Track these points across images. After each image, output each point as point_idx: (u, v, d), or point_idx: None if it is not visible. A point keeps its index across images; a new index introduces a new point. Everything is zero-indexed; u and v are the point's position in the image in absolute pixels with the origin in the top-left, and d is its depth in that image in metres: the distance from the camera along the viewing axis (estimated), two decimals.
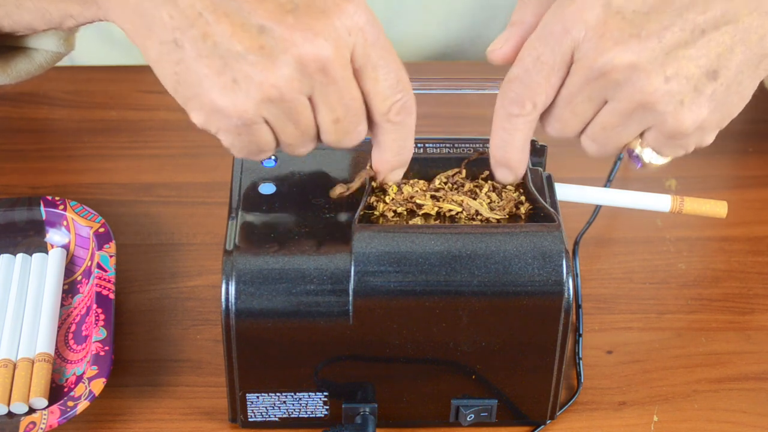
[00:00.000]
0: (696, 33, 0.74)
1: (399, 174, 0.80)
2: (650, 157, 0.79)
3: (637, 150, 0.78)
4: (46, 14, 0.80)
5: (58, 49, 0.87)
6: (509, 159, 0.79)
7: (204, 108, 0.73)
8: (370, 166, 0.81)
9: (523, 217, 0.79)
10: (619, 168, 1.01)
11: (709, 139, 0.78)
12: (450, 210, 0.79)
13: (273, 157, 0.82)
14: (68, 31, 0.86)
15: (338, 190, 0.80)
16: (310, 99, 0.74)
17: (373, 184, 0.80)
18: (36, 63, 0.88)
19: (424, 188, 0.80)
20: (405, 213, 0.80)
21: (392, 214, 0.79)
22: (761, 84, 0.80)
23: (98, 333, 0.83)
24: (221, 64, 0.72)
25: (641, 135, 0.78)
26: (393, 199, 0.80)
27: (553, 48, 0.75)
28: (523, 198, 0.81)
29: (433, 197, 0.80)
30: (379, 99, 0.75)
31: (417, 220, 0.79)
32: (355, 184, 0.80)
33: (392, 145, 0.77)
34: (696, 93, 0.75)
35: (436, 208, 0.79)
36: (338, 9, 0.72)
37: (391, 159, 0.78)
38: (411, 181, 0.81)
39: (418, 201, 0.79)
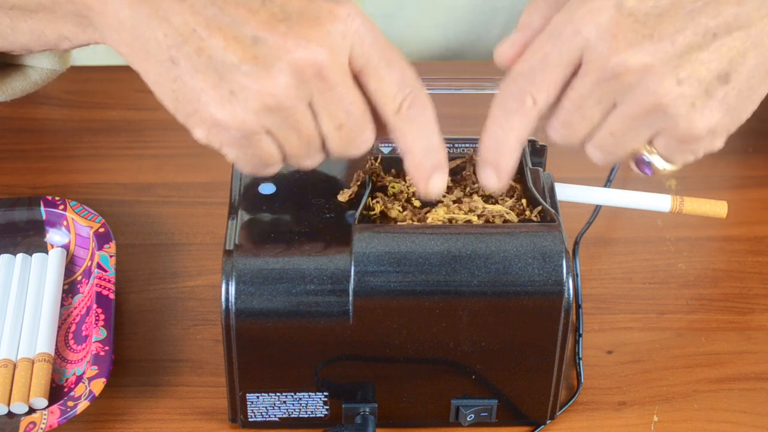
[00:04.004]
0: (708, 37, 0.73)
1: (439, 182, 0.76)
2: (660, 163, 0.77)
3: (647, 156, 0.77)
4: (42, 36, 0.80)
5: (54, 66, 0.87)
6: (499, 160, 0.75)
7: (204, 123, 0.73)
8: (369, 165, 0.82)
9: (525, 206, 0.80)
10: (620, 168, 1.01)
11: (719, 143, 0.76)
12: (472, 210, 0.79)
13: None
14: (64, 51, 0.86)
15: (345, 195, 0.80)
16: (311, 107, 0.73)
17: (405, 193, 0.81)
18: (31, 80, 0.88)
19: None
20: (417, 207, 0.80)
21: (410, 214, 0.79)
22: None
23: (98, 333, 0.83)
24: (217, 77, 0.72)
25: (649, 142, 0.77)
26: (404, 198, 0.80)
27: (561, 48, 0.73)
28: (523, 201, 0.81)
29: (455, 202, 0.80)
30: (387, 98, 0.73)
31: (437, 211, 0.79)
32: (354, 185, 0.81)
33: (416, 144, 0.74)
34: (707, 96, 0.74)
35: (449, 215, 0.79)
36: (331, 15, 0.72)
37: (421, 162, 0.75)
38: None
39: (431, 217, 0.79)
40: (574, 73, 0.74)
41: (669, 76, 0.73)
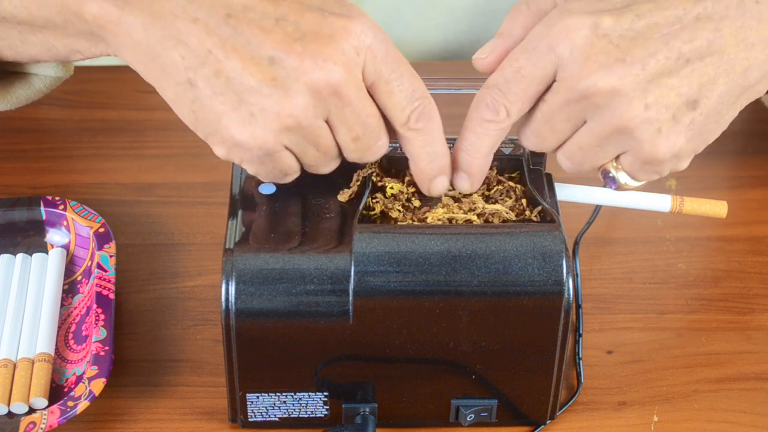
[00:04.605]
0: (680, 62, 0.74)
1: (441, 183, 0.79)
2: (625, 179, 0.79)
3: (612, 172, 0.79)
4: (52, 49, 0.80)
5: (57, 73, 0.88)
6: (471, 164, 0.78)
7: (225, 143, 0.74)
8: (369, 165, 0.82)
9: (525, 206, 0.80)
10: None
11: (684, 165, 0.79)
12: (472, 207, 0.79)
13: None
14: None
15: (345, 195, 0.80)
16: (327, 121, 0.74)
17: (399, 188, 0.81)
18: (35, 88, 0.88)
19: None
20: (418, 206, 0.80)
21: (409, 216, 0.79)
22: (759, 99, 0.80)
23: (98, 333, 0.83)
24: (236, 99, 0.72)
25: (617, 158, 0.78)
26: (403, 199, 0.80)
27: (535, 63, 0.75)
28: (524, 201, 0.81)
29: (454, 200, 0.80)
30: (396, 110, 0.75)
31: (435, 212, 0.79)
32: (354, 185, 0.81)
33: (421, 152, 0.77)
34: (674, 122, 0.75)
35: (448, 214, 0.79)
36: (344, 31, 0.73)
37: (425, 168, 0.78)
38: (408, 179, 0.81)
39: (430, 216, 0.79)
40: (549, 85, 0.75)
41: (637, 101, 0.74)
